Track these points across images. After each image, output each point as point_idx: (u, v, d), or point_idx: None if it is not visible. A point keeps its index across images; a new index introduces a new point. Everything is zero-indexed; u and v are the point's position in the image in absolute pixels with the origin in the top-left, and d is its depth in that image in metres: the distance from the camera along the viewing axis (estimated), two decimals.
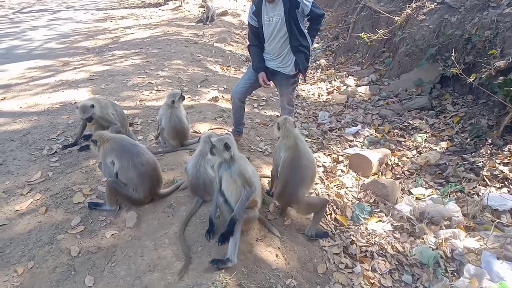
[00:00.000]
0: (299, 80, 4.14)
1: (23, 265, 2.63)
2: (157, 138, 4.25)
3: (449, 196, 3.92)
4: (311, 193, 3.89)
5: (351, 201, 4.01)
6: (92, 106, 3.83)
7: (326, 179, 4.37)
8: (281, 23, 3.58)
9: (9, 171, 3.77)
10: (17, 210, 3.18)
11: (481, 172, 4.13)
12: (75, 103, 5.25)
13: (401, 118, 5.72)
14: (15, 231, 2.95)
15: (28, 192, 3.41)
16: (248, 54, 8.47)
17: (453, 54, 4.86)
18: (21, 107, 5.26)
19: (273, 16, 3.59)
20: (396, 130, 5.40)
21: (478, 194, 3.87)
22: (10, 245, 2.81)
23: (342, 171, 4.55)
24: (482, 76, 4.87)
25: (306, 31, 3.73)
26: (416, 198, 4.02)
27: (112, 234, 2.86)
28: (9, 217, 3.11)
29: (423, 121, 5.44)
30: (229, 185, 2.66)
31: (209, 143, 2.70)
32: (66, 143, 4.23)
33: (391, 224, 3.65)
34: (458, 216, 3.54)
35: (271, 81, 3.96)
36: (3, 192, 3.43)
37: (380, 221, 3.71)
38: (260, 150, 4.44)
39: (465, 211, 3.64)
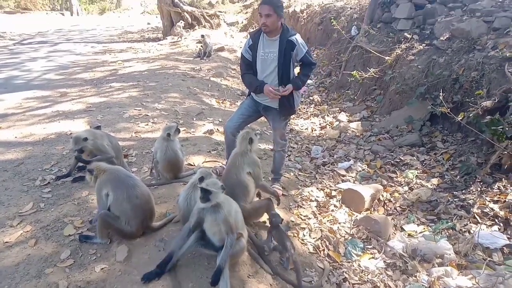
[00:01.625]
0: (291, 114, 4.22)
1: None
2: (151, 171, 4.26)
3: (441, 233, 3.93)
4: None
5: (344, 236, 4.01)
6: (86, 139, 3.87)
7: (319, 214, 4.38)
8: (275, 60, 3.67)
9: (0, 201, 3.73)
10: (6, 242, 3.12)
11: (471, 209, 4.18)
12: (70, 134, 5.30)
13: (392, 154, 5.83)
14: (2, 263, 2.88)
15: (18, 224, 3.36)
16: (243, 88, 8.74)
17: (441, 93, 5.04)
18: (16, 137, 5.27)
19: (269, 53, 3.68)
20: (388, 166, 5.49)
21: (469, 232, 3.90)
22: None
23: (335, 206, 4.56)
24: (470, 115, 5.03)
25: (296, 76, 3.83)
26: (409, 234, 4.03)
27: (102, 268, 2.81)
28: None
29: (414, 158, 5.54)
30: (212, 227, 2.68)
31: (201, 191, 2.60)
32: (60, 174, 4.23)
33: (384, 261, 3.63)
34: (450, 254, 3.54)
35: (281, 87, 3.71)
36: None
37: (372, 257, 3.69)
38: None
39: (457, 249, 3.65)
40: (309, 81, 10.06)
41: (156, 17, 21.32)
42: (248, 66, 3.86)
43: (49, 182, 4.08)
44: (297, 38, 3.66)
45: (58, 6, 33.03)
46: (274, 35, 3.65)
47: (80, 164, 4.24)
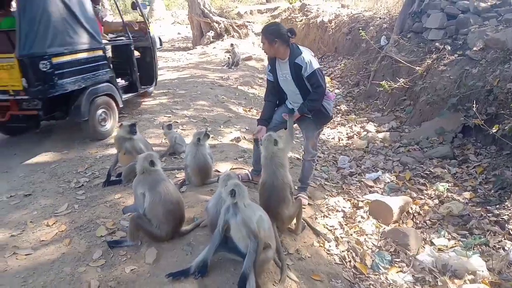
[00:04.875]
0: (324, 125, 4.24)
1: None
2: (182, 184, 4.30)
3: (473, 249, 3.80)
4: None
5: (371, 249, 3.94)
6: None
7: (345, 224, 4.32)
8: (291, 80, 3.78)
9: (38, 201, 3.93)
10: (42, 241, 3.28)
11: (506, 225, 4.02)
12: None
13: (422, 166, 5.68)
14: (38, 261, 3.03)
15: (54, 223, 3.53)
16: None
17: (474, 105, 4.90)
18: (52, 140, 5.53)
19: (286, 74, 3.80)
20: (418, 178, 5.35)
21: (503, 249, 3.75)
22: (33, 274, 2.87)
23: (362, 217, 4.49)
24: (505, 128, 4.87)
25: None
26: (439, 249, 3.91)
27: (132, 270, 2.88)
28: (34, 246, 3.21)
29: (445, 170, 5.39)
30: (235, 232, 2.71)
31: (225, 182, 2.80)
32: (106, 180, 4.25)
33: (412, 275, 3.54)
34: (483, 271, 3.41)
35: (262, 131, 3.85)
36: (31, 222, 3.56)
37: (400, 271, 3.61)
38: None
39: (490, 266, 3.52)
40: (336, 91, 10.01)
41: (186, 27, 21.78)
42: (271, 90, 4.03)
43: (83, 184, 4.25)
44: (304, 56, 3.63)
45: None
46: (283, 57, 3.73)
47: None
